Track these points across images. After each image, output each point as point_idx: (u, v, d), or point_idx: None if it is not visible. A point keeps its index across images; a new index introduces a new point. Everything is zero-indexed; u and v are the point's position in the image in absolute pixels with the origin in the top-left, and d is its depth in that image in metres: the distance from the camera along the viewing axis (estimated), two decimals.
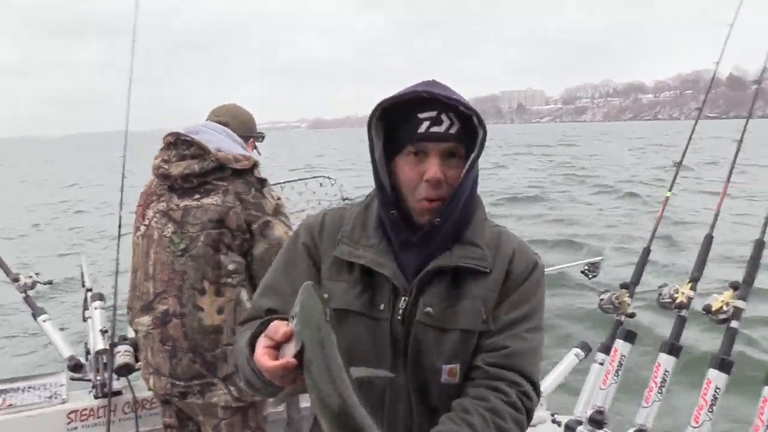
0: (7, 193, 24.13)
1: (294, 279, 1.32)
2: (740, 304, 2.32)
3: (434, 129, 1.24)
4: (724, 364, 2.28)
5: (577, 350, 3.03)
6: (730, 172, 2.80)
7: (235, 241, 2.15)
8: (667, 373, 2.47)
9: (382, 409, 1.27)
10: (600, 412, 2.60)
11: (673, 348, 2.49)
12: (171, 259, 2.15)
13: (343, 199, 3.46)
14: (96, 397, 2.68)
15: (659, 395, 2.46)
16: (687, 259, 8.38)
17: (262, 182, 2.24)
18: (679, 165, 3.12)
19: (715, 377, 2.28)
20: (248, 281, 2.20)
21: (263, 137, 2.57)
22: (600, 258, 3.45)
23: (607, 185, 20.39)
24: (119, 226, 2.84)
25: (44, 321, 3.00)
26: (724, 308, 2.32)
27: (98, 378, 2.67)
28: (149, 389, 2.32)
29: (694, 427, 2.27)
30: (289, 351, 1.02)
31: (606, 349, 2.74)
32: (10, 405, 2.61)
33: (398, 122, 1.27)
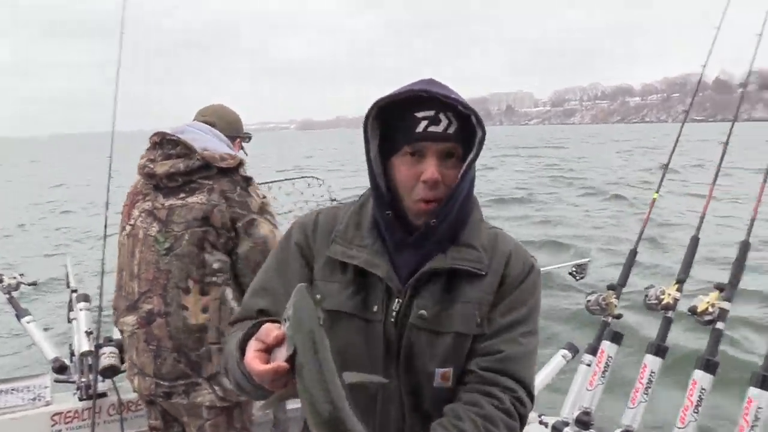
0: None
1: (286, 279, 1.30)
2: (726, 305, 2.33)
3: (432, 128, 1.21)
4: (709, 365, 2.30)
5: (565, 351, 3.05)
6: (716, 175, 2.82)
7: (220, 240, 2.14)
8: (653, 374, 2.48)
9: (373, 413, 1.25)
10: (587, 413, 2.61)
11: (659, 349, 2.50)
12: (156, 258, 2.14)
13: (331, 200, 3.45)
14: (81, 399, 2.67)
15: (645, 396, 2.47)
16: (672, 260, 8.45)
17: (248, 180, 2.23)
18: (665, 167, 3.14)
19: (701, 378, 2.29)
20: (233, 280, 2.19)
21: (250, 137, 2.57)
22: (587, 259, 3.46)
23: (594, 187, 20.50)
24: (105, 227, 2.82)
25: (28, 322, 2.98)
26: (710, 309, 2.33)
27: (83, 380, 2.66)
28: (134, 390, 2.30)
29: (680, 428, 2.28)
30: (281, 355, 1.00)
31: (593, 350, 2.75)
32: None
33: (395, 121, 1.24)
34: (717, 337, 2.34)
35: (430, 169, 1.21)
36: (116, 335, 2.55)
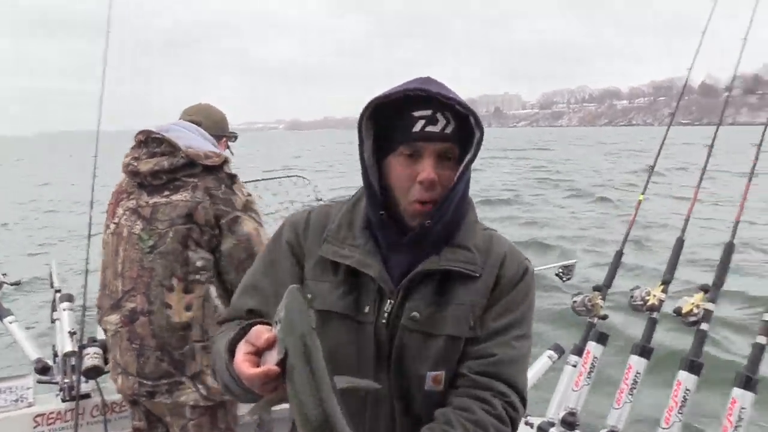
0: None
1: (276, 278, 1.28)
2: (710, 306, 2.35)
3: (429, 128, 1.18)
4: (694, 365, 2.31)
5: (551, 352, 3.05)
6: (701, 178, 2.85)
7: (204, 237, 2.13)
8: (638, 375, 2.49)
9: (363, 417, 1.23)
10: (572, 413, 2.62)
11: (644, 350, 2.52)
12: (140, 256, 2.12)
13: (318, 200, 3.43)
14: (64, 401, 2.64)
15: (630, 397, 2.49)
16: (657, 261, 8.51)
17: (233, 178, 2.22)
18: (651, 170, 3.16)
19: (685, 379, 2.31)
20: (216, 278, 2.17)
21: (236, 137, 2.56)
22: (574, 261, 3.47)
23: (580, 189, 20.61)
24: (89, 225, 2.79)
25: (11, 323, 2.94)
26: (695, 311, 2.35)
27: (66, 381, 2.63)
28: (118, 390, 2.28)
29: (665, 428, 2.30)
30: (272, 358, 0.97)
31: (579, 351, 2.77)
32: None
33: (391, 120, 1.21)
34: (701, 338, 2.36)
35: (427, 170, 1.19)
36: (100, 335, 2.53)
